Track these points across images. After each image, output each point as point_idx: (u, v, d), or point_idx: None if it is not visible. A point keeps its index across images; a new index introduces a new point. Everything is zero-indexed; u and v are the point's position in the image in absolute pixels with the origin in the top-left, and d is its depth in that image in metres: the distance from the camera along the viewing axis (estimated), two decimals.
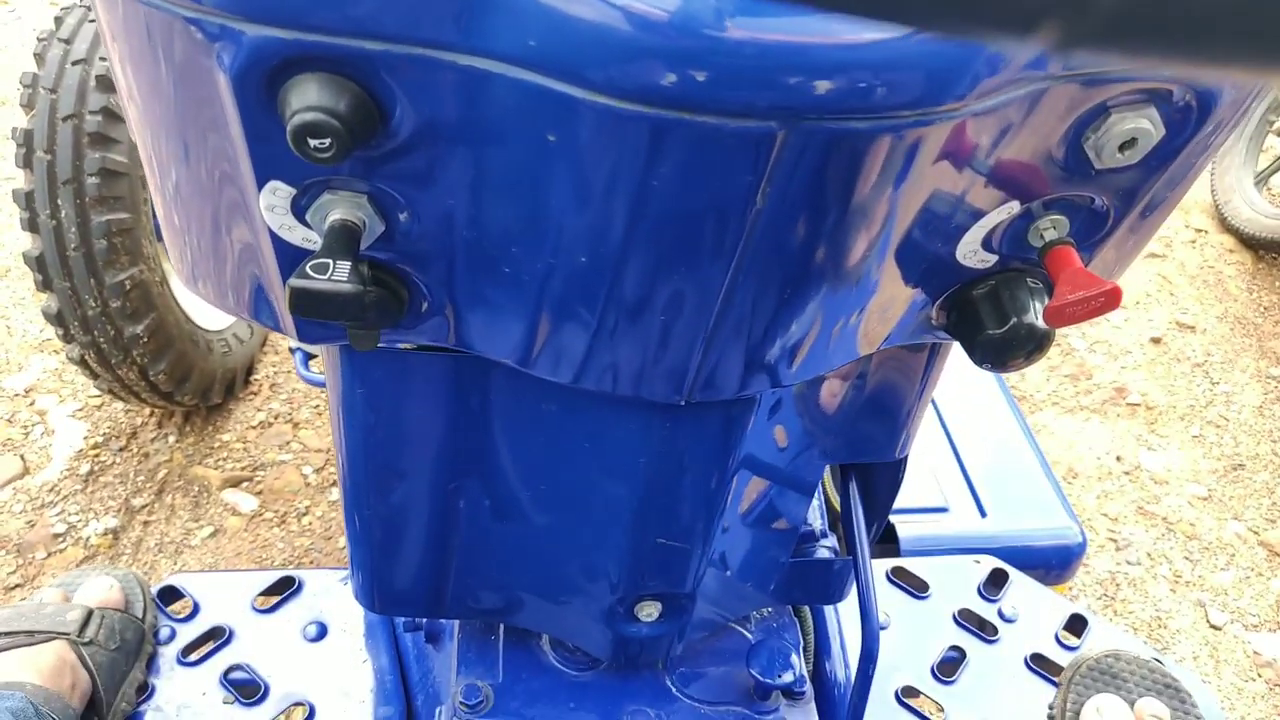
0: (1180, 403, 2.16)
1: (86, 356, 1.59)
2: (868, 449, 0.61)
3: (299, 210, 0.40)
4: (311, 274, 0.37)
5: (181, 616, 0.87)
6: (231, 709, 0.81)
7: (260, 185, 0.39)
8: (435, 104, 0.35)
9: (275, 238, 0.41)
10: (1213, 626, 1.76)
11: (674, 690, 0.71)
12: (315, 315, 0.38)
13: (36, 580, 1.64)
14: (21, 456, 1.81)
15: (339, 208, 0.39)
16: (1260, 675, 1.69)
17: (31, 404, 1.91)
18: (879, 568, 0.98)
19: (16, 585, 1.62)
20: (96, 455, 1.82)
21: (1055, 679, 0.90)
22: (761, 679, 0.69)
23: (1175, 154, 0.40)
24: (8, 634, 0.77)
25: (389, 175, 0.38)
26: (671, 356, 0.44)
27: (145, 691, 0.82)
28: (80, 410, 1.90)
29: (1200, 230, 2.63)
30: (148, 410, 1.88)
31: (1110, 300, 0.40)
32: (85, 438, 1.84)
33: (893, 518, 1.07)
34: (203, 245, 0.45)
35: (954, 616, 0.94)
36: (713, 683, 0.72)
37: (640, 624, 0.64)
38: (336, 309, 0.38)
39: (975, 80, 0.33)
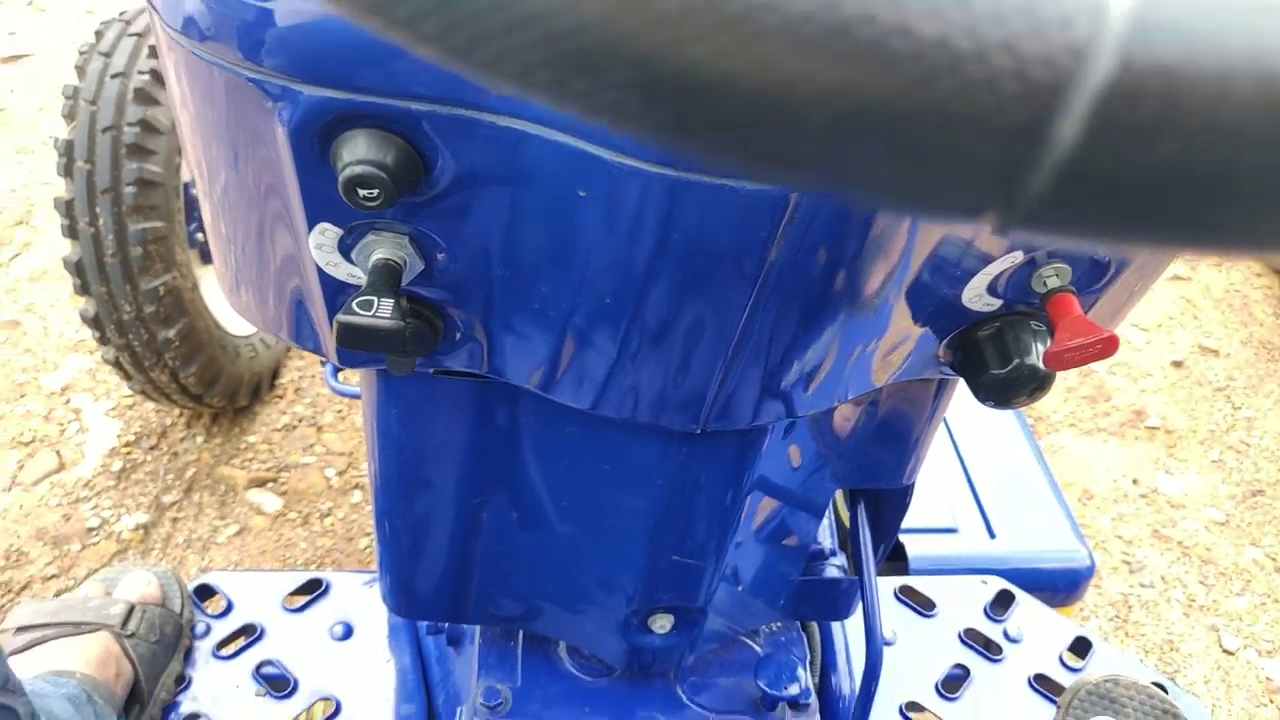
0: (1201, 427, 2.17)
1: (121, 359, 1.63)
2: (876, 475, 0.64)
3: (345, 249, 0.43)
4: (357, 310, 0.41)
5: (216, 613, 0.91)
6: (263, 701, 0.85)
7: (310, 226, 0.42)
8: (474, 158, 0.38)
9: (322, 273, 0.45)
10: (1225, 651, 1.77)
11: (684, 698, 0.74)
12: (359, 348, 0.41)
13: (72, 571, 1.69)
14: (58, 452, 1.86)
15: (382, 248, 0.43)
16: (1272, 701, 1.70)
17: (67, 402, 1.96)
18: (887, 585, 1.01)
19: (53, 575, 1.67)
20: (129, 453, 1.87)
21: (1057, 699, 0.92)
22: (768, 691, 0.71)
23: None
24: (56, 624, 0.82)
25: (429, 219, 0.41)
26: (688, 389, 0.47)
27: (182, 682, 0.86)
28: (114, 409, 1.95)
29: None
30: (177, 411, 1.93)
31: (1107, 347, 0.43)
32: (118, 436, 1.89)
33: (902, 536, 1.09)
34: (251, 275, 0.49)
35: (960, 635, 0.96)
36: (721, 692, 0.75)
37: (653, 635, 0.67)
38: (379, 342, 0.41)
39: None
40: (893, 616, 0.97)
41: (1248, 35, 0.12)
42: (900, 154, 0.13)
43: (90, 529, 1.75)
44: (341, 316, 0.40)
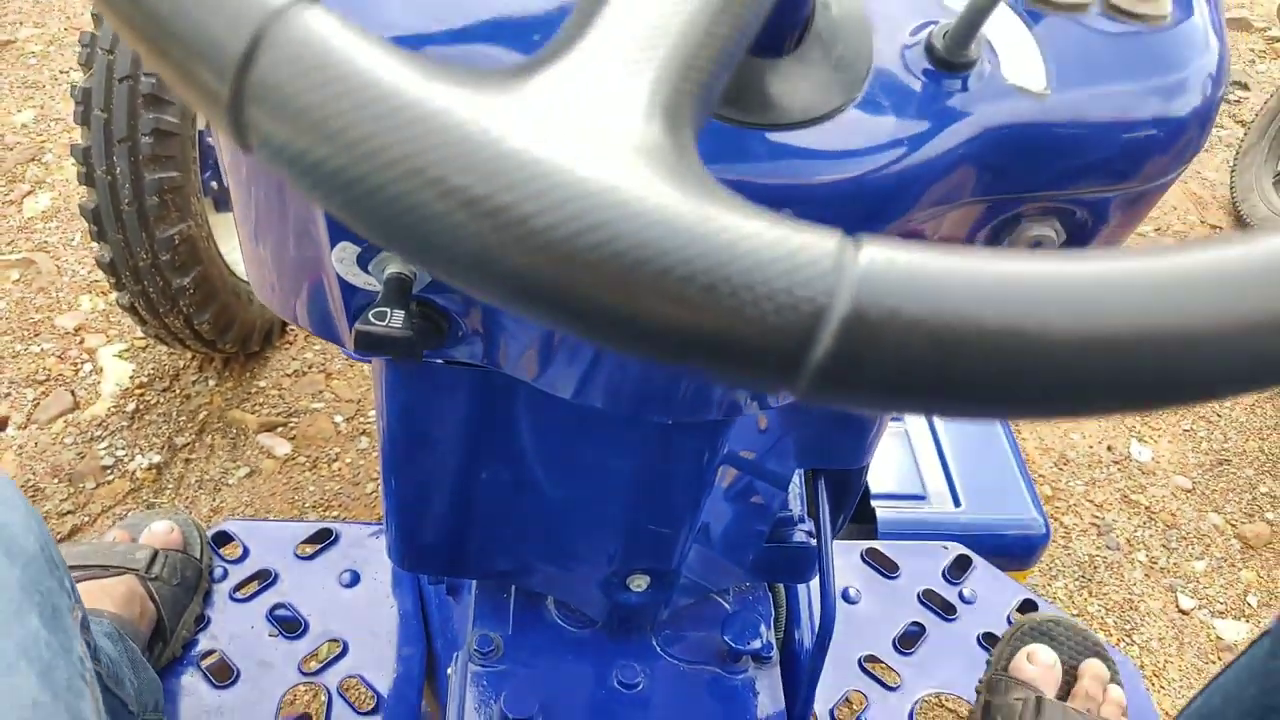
0: None
1: (136, 304, 1.70)
2: (835, 457, 0.71)
3: (363, 262, 0.50)
4: (373, 320, 0.47)
5: (233, 559, 0.99)
6: (276, 641, 0.93)
7: (333, 244, 0.49)
8: None
9: (342, 281, 0.51)
10: (1181, 611, 1.86)
11: (658, 650, 0.83)
12: (374, 352, 0.48)
13: (87, 508, 1.77)
14: (72, 392, 1.93)
15: (395, 263, 0.49)
16: (1220, 658, 1.80)
17: (81, 342, 2.03)
18: (855, 548, 1.09)
19: (69, 511, 1.76)
20: (142, 395, 1.94)
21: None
22: (733, 645, 0.80)
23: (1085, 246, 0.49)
24: (84, 567, 0.90)
25: None
26: (659, 385, 0.54)
27: (202, 622, 0.94)
28: (126, 351, 2.02)
29: (1216, 227, 2.68)
30: (189, 354, 2.00)
31: None
32: (131, 377, 1.96)
33: (874, 502, 1.17)
34: (277, 274, 0.55)
35: (919, 596, 1.04)
36: (692, 645, 0.83)
37: (631, 593, 0.75)
38: (391, 346, 0.48)
39: (904, 211, 0.42)
40: (858, 577, 1.06)
41: (930, 290, 0.19)
42: (728, 365, 0.20)
43: (104, 467, 1.82)
44: (359, 326, 0.47)
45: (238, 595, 0.96)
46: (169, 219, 1.62)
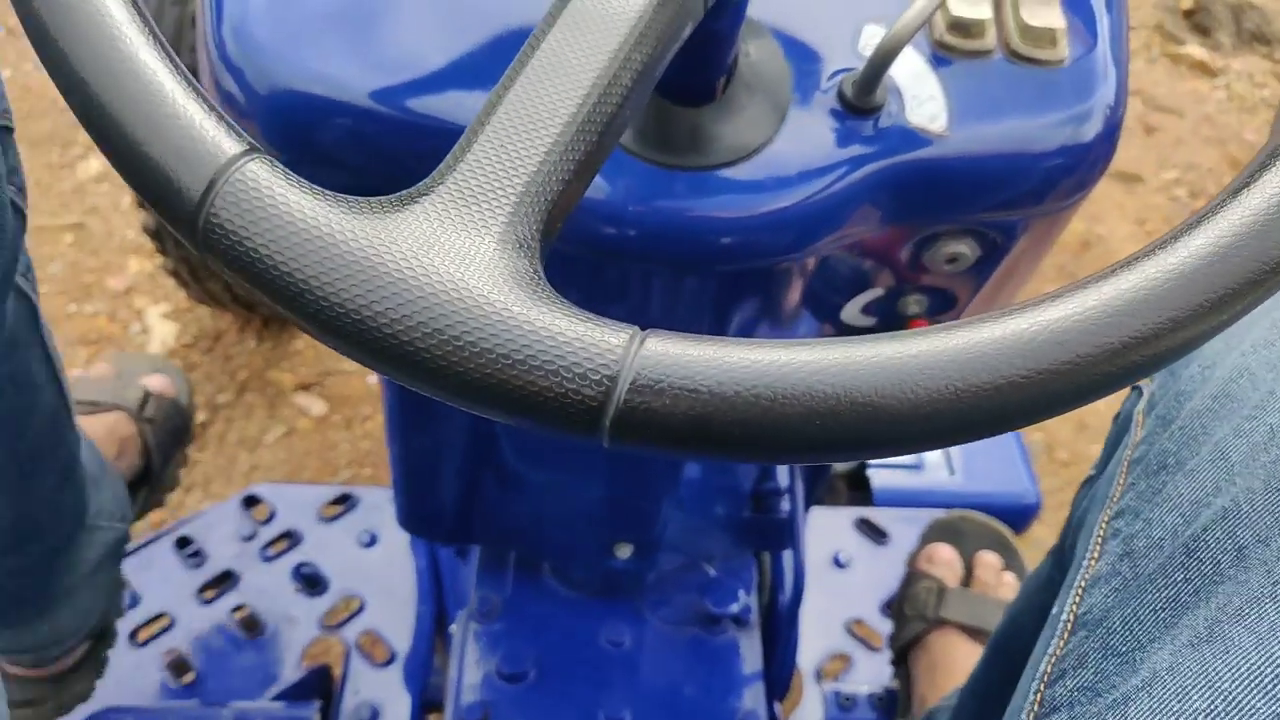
0: None
1: (179, 270, 1.78)
2: None
3: None
4: None
5: (262, 520, 1.07)
6: (300, 596, 1.01)
7: None
8: None
9: None
10: None
11: (645, 613, 0.89)
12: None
13: None
14: (121, 349, 2.03)
15: None
16: None
17: (130, 304, 2.12)
18: (848, 516, 1.14)
19: None
20: (186, 355, 2.03)
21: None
22: (713, 609, 0.86)
23: (998, 264, 0.53)
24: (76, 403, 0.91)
25: None
26: None
27: (184, 463, 0.96)
28: (171, 312, 2.11)
29: None
30: (230, 316, 2.08)
31: None
32: (176, 338, 2.06)
33: (870, 470, 1.22)
34: None
35: (905, 563, 1.09)
36: (677, 608, 0.89)
37: (616, 559, 0.82)
38: None
39: (817, 237, 0.47)
40: (849, 544, 1.11)
41: (693, 375, 0.25)
42: (551, 422, 0.26)
43: None
44: None
45: (266, 553, 1.04)
46: None
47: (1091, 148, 0.49)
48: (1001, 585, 1.00)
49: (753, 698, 0.83)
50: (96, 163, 2.38)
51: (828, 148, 0.45)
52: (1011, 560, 1.00)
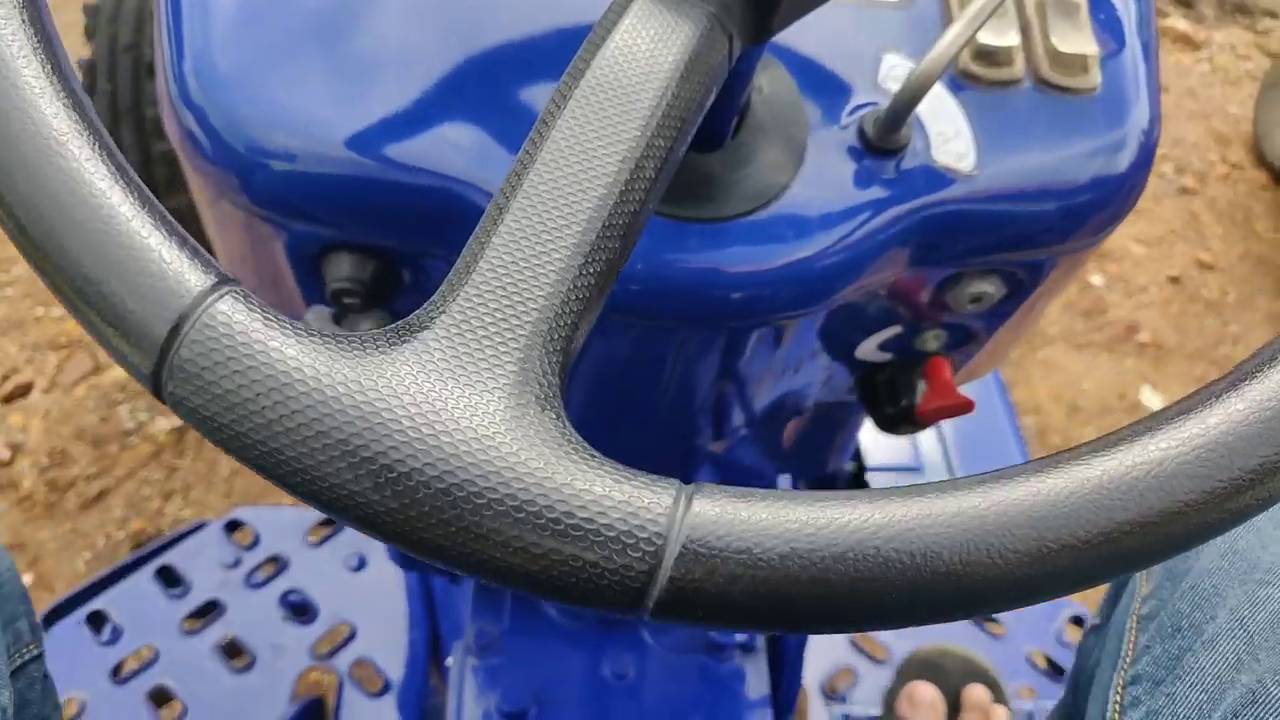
0: (1189, 343, 2.23)
1: None
2: (815, 467, 0.73)
3: (336, 319, 0.52)
4: None
5: (246, 545, 1.03)
6: (288, 624, 0.98)
7: (308, 305, 0.51)
8: (439, 275, 0.46)
9: None
10: None
11: (648, 640, 0.86)
12: None
13: (112, 472, 1.83)
14: (93, 354, 1.98)
15: (368, 321, 0.51)
16: None
17: None
18: None
19: (94, 475, 1.82)
20: None
21: (992, 631, 1.04)
22: (719, 638, 0.83)
23: (1022, 301, 0.50)
24: None
25: (409, 305, 0.50)
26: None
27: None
28: None
29: (1236, 165, 2.63)
30: None
31: (963, 408, 0.52)
32: None
33: (868, 475, 1.19)
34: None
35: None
36: (680, 636, 0.86)
37: None
38: None
39: (837, 289, 0.44)
40: None
41: (737, 552, 0.22)
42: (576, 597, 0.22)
43: (126, 432, 1.87)
44: None
45: (251, 581, 1.00)
46: (180, 190, 1.63)
47: (1127, 177, 0.45)
48: None
49: None
50: None
51: (848, 192, 0.42)
52: (998, 693, 0.92)
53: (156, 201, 0.24)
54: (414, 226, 0.43)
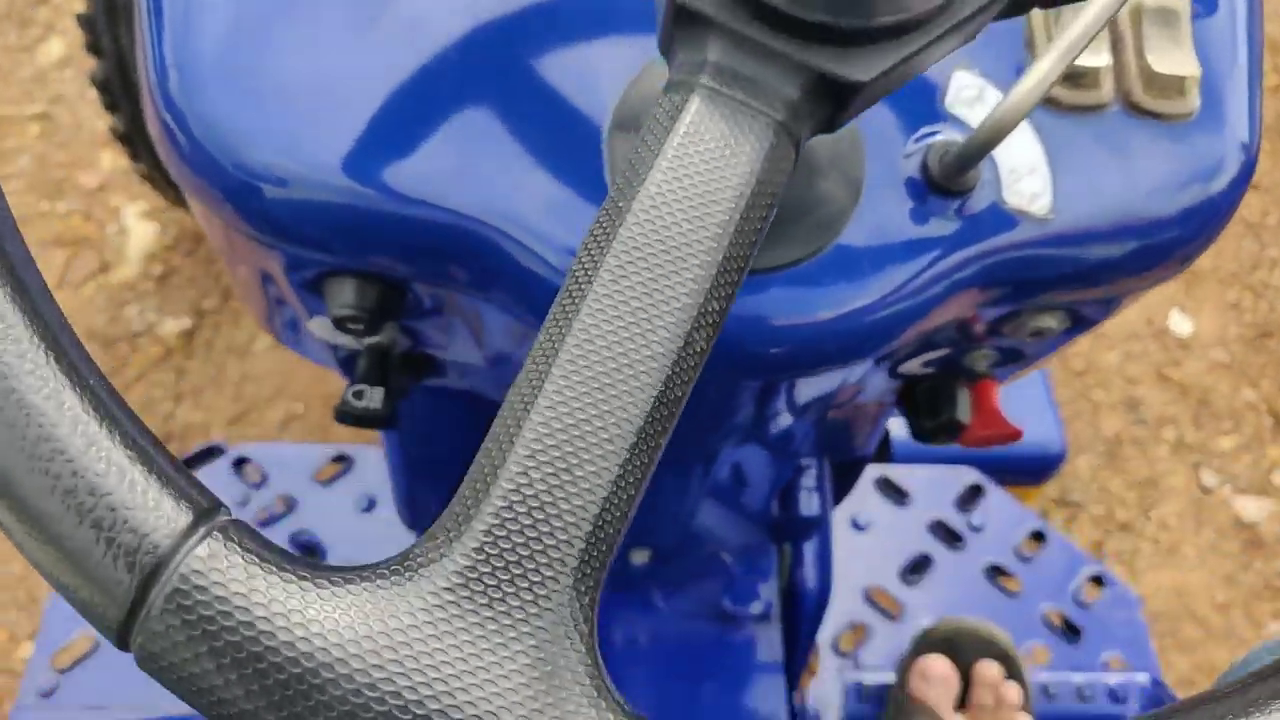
0: (1224, 265, 2.16)
1: (154, 175, 1.67)
2: (843, 450, 0.70)
3: (339, 329, 0.48)
4: (352, 400, 0.46)
5: (254, 483, 1.02)
6: None
7: (310, 316, 0.47)
8: (442, 300, 0.42)
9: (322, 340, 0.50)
10: (1202, 488, 1.87)
11: (659, 604, 0.85)
12: (356, 425, 0.47)
13: (123, 372, 1.82)
14: (99, 253, 1.94)
15: (376, 337, 0.48)
16: (1238, 537, 1.82)
17: (105, 203, 2.01)
18: (869, 474, 1.09)
19: (107, 375, 1.81)
20: (168, 258, 1.94)
21: (1007, 588, 1.02)
22: (732, 609, 0.82)
23: (1083, 332, 0.46)
24: None
25: (411, 322, 0.46)
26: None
27: None
28: (150, 211, 2.00)
29: None
30: None
31: (1010, 438, 0.48)
32: (157, 239, 1.96)
33: (891, 425, 1.16)
34: (271, 322, 0.54)
35: (927, 525, 1.05)
36: (693, 600, 0.85)
37: (632, 564, 0.77)
38: (371, 421, 0.47)
39: (890, 340, 0.39)
40: (869, 505, 1.06)
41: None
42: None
43: (136, 333, 1.85)
44: (340, 406, 0.46)
45: (260, 522, 0.99)
46: None
47: (1220, 204, 0.40)
48: (1002, 705, 0.89)
49: (772, 695, 0.80)
50: (58, 45, 2.21)
51: (908, 237, 0.37)
52: (1013, 668, 0.91)
53: (122, 410, 0.20)
54: (417, 259, 0.38)
